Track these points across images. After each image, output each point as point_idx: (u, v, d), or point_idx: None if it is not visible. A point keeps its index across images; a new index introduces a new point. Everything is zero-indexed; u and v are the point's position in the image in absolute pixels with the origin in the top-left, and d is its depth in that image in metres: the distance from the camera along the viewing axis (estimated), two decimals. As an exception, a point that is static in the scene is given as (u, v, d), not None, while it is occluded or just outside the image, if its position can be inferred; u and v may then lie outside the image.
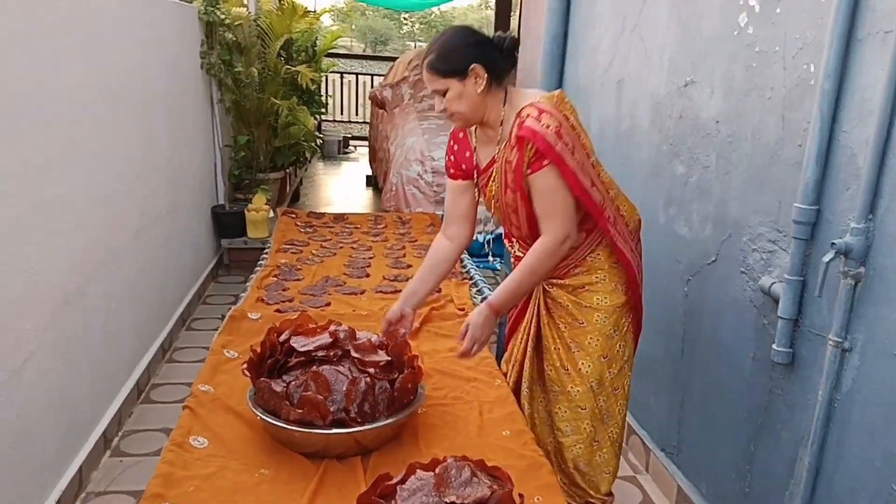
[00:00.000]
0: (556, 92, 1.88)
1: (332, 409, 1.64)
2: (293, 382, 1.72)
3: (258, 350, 1.81)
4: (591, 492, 2.06)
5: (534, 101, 1.81)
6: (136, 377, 2.97)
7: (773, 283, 1.91)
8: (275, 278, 3.00)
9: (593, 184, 1.86)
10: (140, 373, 3.01)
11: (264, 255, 3.40)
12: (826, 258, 1.62)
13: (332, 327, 1.85)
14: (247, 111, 4.92)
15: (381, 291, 2.90)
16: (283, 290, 2.85)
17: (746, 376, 2.08)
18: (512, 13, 9.95)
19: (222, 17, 4.32)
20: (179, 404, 2.94)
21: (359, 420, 1.65)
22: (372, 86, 10.23)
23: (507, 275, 1.99)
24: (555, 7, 3.55)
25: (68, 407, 2.33)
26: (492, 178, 1.97)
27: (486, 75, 1.81)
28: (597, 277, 1.98)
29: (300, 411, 1.63)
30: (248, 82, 4.68)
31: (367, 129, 8.86)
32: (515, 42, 1.89)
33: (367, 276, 3.13)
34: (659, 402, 2.62)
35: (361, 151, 9.54)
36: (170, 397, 3.05)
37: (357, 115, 10.70)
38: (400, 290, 2.88)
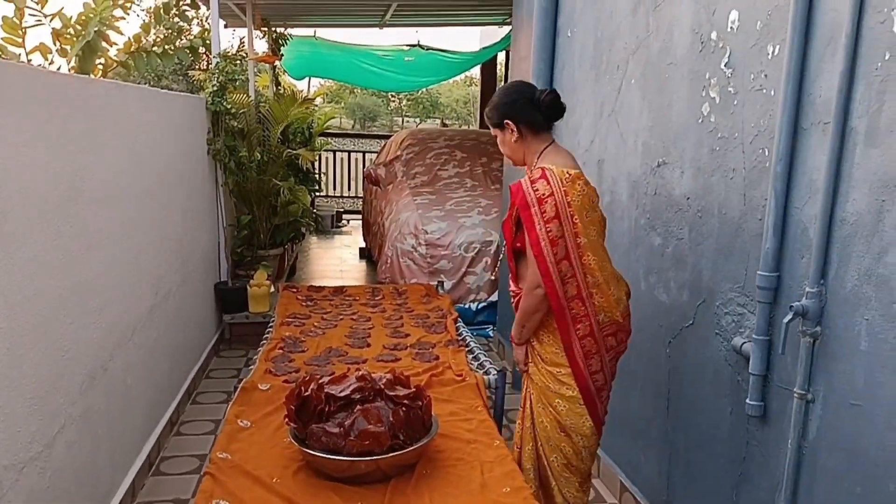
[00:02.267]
0: (575, 172, 2.15)
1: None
2: (346, 422, 1.96)
3: (292, 408, 2.03)
4: None
5: (549, 166, 2.11)
6: (148, 450, 3.08)
7: (743, 343, 2.11)
8: (280, 350, 3.15)
9: (565, 258, 2.11)
10: (151, 446, 3.13)
11: (269, 329, 3.55)
12: (786, 319, 1.82)
13: (356, 373, 2.14)
14: (248, 192, 5.16)
15: (381, 360, 3.04)
16: (290, 361, 3.00)
17: (726, 430, 2.25)
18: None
19: (228, 106, 4.61)
20: (188, 475, 3.09)
21: (409, 443, 1.96)
22: (363, 162, 10.59)
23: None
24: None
25: (90, 478, 2.45)
26: None
27: (515, 128, 2.17)
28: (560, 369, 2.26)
29: (366, 443, 1.90)
30: (250, 165, 4.94)
31: (359, 203, 9.12)
32: (553, 97, 2.18)
33: (368, 345, 3.29)
34: (648, 459, 2.77)
35: (354, 225, 9.77)
36: (179, 469, 3.16)
37: (349, 190, 11.01)
38: (400, 359, 3.06)
